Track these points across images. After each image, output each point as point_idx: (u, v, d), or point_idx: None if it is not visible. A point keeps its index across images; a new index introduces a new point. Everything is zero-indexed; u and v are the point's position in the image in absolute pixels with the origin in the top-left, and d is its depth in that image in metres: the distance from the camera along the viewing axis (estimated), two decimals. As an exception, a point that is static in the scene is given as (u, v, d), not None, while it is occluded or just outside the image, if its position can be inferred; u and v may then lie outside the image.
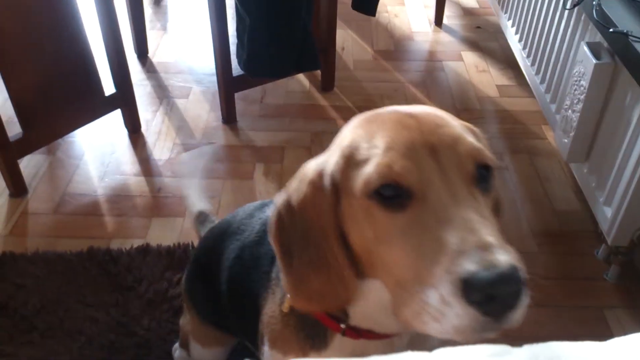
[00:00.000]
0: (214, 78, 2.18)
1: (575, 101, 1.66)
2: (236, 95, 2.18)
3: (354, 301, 0.69)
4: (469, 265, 0.51)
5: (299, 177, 0.69)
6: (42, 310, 1.49)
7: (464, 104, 2.35)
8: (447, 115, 0.68)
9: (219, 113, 2.21)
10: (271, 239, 0.70)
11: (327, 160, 0.67)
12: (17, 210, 1.81)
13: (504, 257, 0.52)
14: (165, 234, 1.73)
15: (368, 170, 0.60)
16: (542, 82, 2.07)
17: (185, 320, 1.23)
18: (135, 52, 2.56)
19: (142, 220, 1.78)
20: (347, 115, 2.25)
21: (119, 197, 1.87)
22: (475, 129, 0.71)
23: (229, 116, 2.18)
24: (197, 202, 1.30)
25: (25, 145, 1.84)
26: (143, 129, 2.15)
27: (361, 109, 2.42)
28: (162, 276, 1.58)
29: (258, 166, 2.01)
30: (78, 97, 1.91)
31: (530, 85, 2.22)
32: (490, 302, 0.50)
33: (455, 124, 0.64)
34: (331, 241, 0.65)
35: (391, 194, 0.59)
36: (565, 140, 1.73)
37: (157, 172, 1.97)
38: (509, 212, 1.83)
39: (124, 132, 2.13)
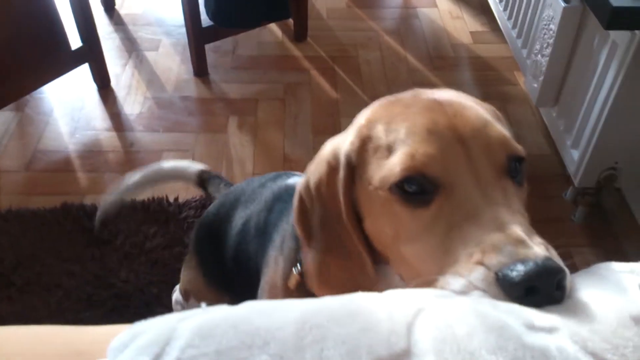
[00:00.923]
0: (184, 30, 2.14)
1: (544, 45, 1.67)
2: (207, 46, 2.14)
3: (375, 287, 0.61)
4: (503, 260, 0.46)
5: (317, 158, 0.66)
6: (19, 266, 1.49)
7: (438, 51, 2.35)
8: (473, 99, 0.63)
9: (190, 65, 2.18)
10: (295, 223, 0.67)
11: (344, 140, 0.63)
12: (-12, 168, 1.80)
13: (538, 250, 0.47)
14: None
15: (391, 161, 0.55)
16: (513, 27, 2.06)
17: (189, 277, 1.20)
18: (102, 4, 2.49)
19: (115, 176, 1.78)
20: (321, 66, 2.25)
21: (91, 153, 1.86)
22: (498, 113, 0.66)
23: (200, 69, 2.15)
24: (188, 168, 1.28)
25: (-8, 103, 1.80)
26: (113, 83, 2.12)
27: (335, 59, 2.39)
28: (139, 230, 1.59)
29: (232, 119, 2.00)
30: (44, 52, 1.87)
31: (503, 31, 2.22)
32: (532, 294, 0.44)
33: (481, 109, 0.59)
34: (347, 225, 0.61)
35: (415, 188, 0.54)
36: (535, 85, 1.74)
37: (128, 127, 1.95)
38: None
39: (93, 87, 2.10)
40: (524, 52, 1.96)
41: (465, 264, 0.49)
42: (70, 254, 1.53)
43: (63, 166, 1.81)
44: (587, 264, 1.72)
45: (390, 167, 0.55)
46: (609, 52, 1.42)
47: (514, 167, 0.56)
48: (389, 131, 0.58)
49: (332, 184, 0.62)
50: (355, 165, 0.61)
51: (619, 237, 1.66)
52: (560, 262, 0.48)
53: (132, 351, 0.39)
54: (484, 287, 0.46)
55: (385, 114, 0.60)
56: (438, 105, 0.58)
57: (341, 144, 0.63)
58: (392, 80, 2.19)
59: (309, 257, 0.66)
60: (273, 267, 0.81)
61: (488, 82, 2.19)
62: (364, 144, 0.60)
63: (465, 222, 0.51)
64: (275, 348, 0.38)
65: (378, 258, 0.63)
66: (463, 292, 0.47)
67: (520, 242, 0.47)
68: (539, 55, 1.71)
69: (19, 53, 1.80)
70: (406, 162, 0.54)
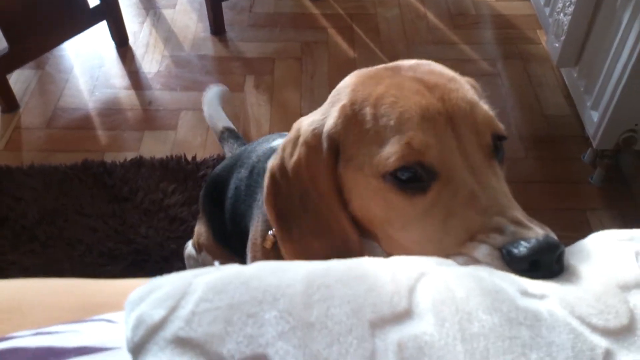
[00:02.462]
0: (201, -13, 2.12)
1: (567, 3, 1.63)
2: (224, 4, 2.12)
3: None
4: (507, 238, 0.49)
5: (292, 138, 0.64)
6: (42, 221, 1.54)
7: (459, 8, 2.30)
8: (448, 69, 0.62)
9: (207, 23, 2.17)
10: (265, 205, 0.65)
11: (324, 120, 0.61)
12: (10, 125, 1.83)
13: (538, 229, 0.49)
14: (157, 147, 1.76)
15: (386, 150, 0.55)
16: (537, -17, 2.01)
17: (201, 231, 1.25)
18: (119, -40, 2.47)
19: (134, 134, 1.80)
20: (338, 24, 2.22)
21: (110, 111, 1.88)
22: (475, 83, 0.65)
23: (217, 27, 2.14)
24: (219, 120, 1.34)
25: (13, 60, 1.82)
26: (131, 41, 2.12)
27: (353, 17, 2.36)
28: (157, 187, 1.62)
29: (248, 78, 2.00)
30: (62, 10, 1.87)
31: (526, -12, 2.16)
32: (534, 269, 0.47)
33: (466, 88, 0.59)
34: (332, 206, 0.60)
35: (407, 176, 0.54)
36: (557, 45, 1.71)
37: (147, 85, 1.96)
38: (500, 119, 1.84)
39: (111, 45, 2.10)
40: (547, 10, 1.92)
41: (468, 244, 0.51)
42: (92, 210, 1.57)
43: (83, 124, 1.84)
44: (603, 226, 1.72)
45: (385, 155, 0.55)
46: (632, 12, 1.38)
47: (496, 145, 0.57)
48: (378, 116, 0.56)
49: (313, 165, 0.60)
50: (340, 148, 0.59)
51: (636, 199, 1.65)
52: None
53: (148, 304, 0.41)
54: (489, 262, 0.48)
55: (369, 93, 0.58)
56: (424, 86, 0.57)
57: (321, 123, 0.61)
58: (411, 38, 2.16)
59: (280, 238, 0.64)
60: (255, 224, 0.83)
61: (509, 40, 2.14)
62: (349, 126, 0.58)
63: (464, 207, 0.52)
64: (284, 304, 0.39)
65: (364, 233, 0.62)
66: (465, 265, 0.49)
67: (520, 223, 0.50)
68: (562, 14, 1.67)
69: (37, 11, 1.80)
70: (403, 151, 0.54)
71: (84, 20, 1.95)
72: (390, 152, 0.54)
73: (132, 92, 1.94)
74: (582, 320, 0.38)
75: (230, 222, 1.04)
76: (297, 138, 0.63)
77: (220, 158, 1.66)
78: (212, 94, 1.47)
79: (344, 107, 0.59)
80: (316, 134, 0.61)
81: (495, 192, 0.53)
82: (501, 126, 0.58)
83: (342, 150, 0.59)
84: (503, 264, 0.48)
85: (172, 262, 1.45)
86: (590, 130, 1.61)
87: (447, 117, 0.55)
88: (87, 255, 1.47)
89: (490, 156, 0.56)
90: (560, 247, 0.47)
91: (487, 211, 0.51)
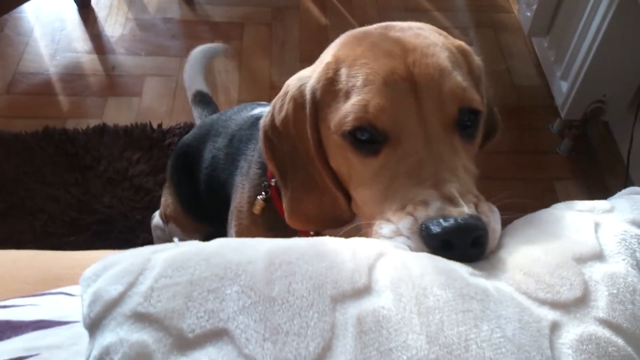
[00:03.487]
0: (166, -54, 2.04)
1: (540, -28, 1.62)
2: (191, -35, 2.05)
3: (352, 219, 0.64)
4: (429, 213, 0.50)
5: (281, 94, 0.65)
6: (3, 189, 1.49)
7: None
8: (439, 35, 0.61)
9: (174, -15, 2.10)
10: (267, 162, 0.67)
11: (310, 76, 0.62)
12: (-33, 90, 1.76)
13: (465, 209, 0.50)
14: (121, 114, 1.71)
15: (344, 108, 0.56)
16: (510, -49, 1.99)
17: (168, 202, 1.22)
18: None
19: (97, 100, 1.75)
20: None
21: (72, 76, 1.81)
22: (472, 53, 0.64)
23: (184, -11, 2.07)
24: (193, 82, 1.29)
25: (-33, 21, 1.74)
26: (93, 3, 2.04)
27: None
28: (121, 155, 1.58)
29: (217, 43, 1.95)
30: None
31: (499, -45, 2.14)
32: (448, 248, 0.48)
33: (444, 55, 0.58)
34: (315, 162, 0.62)
35: (366, 136, 0.56)
36: (528, 14, 1.70)
37: (110, 49, 1.90)
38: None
39: (73, 7, 2.02)
40: (519, -22, 1.90)
41: (398, 213, 0.52)
42: (54, 179, 1.52)
43: (44, 89, 1.77)
44: (569, 196, 1.73)
45: (343, 114, 0.56)
46: (604, -19, 1.38)
47: (467, 119, 0.57)
48: (349, 76, 0.57)
49: (299, 121, 0.62)
50: (319, 105, 0.60)
51: (603, 170, 1.68)
52: (493, 219, 0.51)
53: (105, 280, 0.40)
54: (408, 235, 0.50)
55: (350, 53, 0.59)
56: (400, 50, 0.57)
57: (307, 80, 0.62)
58: (383, 5, 2.12)
59: (283, 192, 0.66)
60: (240, 192, 0.83)
61: (482, 8, 2.13)
62: (329, 84, 0.59)
63: (406, 175, 0.53)
64: (245, 280, 0.39)
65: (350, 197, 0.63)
66: (390, 236, 0.50)
67: (449, 200, 0.50)
68: (534, -18, 1.66)
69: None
70: (358, 113, 0.55)
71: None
72: (348, 111, 0.55)
73: (94, 57, 1.87)
74: (529, 295, 0.40)
75: (206, 192, 1.02)
76: (286, 94, 0.64)
77: (188, 126, 1.62)
78: (199, 53, 1.38)
79: (327, 64, 0.60)
80: (302, 90, 0.62)
81: (439, 164, 0.53)
82: (474, 98, 0.57)
83: (320, 108, 0.60)
84: (419, 240, 0.49)
85: (137, 232, 1.43)
86: (559, 101, 1.62)
87: (412, 85, 0.55)
88: (49, 225, 1.43)
89: (451, 128, 0.56)
90: (476, 231, 0.48)
91: (423, 183, 0.52)
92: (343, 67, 0.58)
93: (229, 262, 0.40)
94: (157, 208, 1.33)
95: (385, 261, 0.42)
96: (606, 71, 1.46)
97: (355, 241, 0.45)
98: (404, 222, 0.50)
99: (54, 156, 1.57)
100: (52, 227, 1.43)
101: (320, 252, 0.42)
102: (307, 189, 0.63)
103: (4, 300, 0.57)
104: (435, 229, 0.48)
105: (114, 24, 1.98)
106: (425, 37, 0.59)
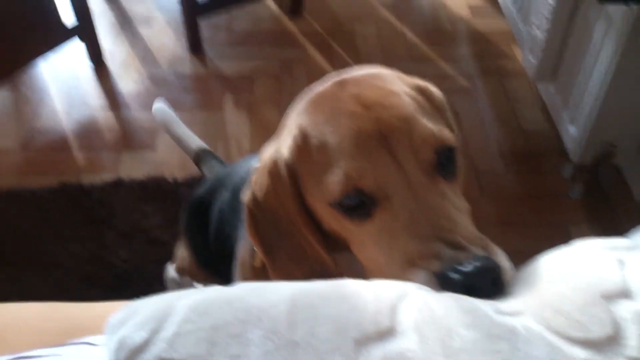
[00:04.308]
0: (178, 5, 2.12)
1: (542, 20, 1.66)
2: (202, 22, 2.12)
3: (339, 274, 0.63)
4: (443, 263, 0.50)
5: (259, 168, 0.65)
6: (19, 245, 1.50)
7: (435, 25, 2.33)
8: (394, 79, 0.62)
9: (185, 42, 2.16)
10: (250, 238, 0.66)
11: (280, 149, 0.62)
12: (-16, 148, 1.79)
13: (476, 251, 0.50)
14: (136, 167, 1.74)
15: (326, 181, 0.56)
16: (512, 0, 2.04)
17: (183, 256, 1.23)
18: (96, -20, 2.46)
19: (112, 154, 1.78)
20: (316, 41, 2.23)
21: (87, 132, 1.85)
22: (429, 87, 0.64)
23: (194, 44, 2.13)
24: (192, 141, 1.30)
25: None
26: (107, 60, 2.10)
27: (331, 34, 2.36)
28: (136, 208, 1.60)
29: (227, 96, 1.99)
30: (34, 25, 1.84)
31: (501, 5, 2.20)
32: (469, 294, 0.46)
33: (404, 102, 0.58)
34: (303, 231, 0.61)
35: (355, 202, 0.55)
36: (533, 60, 1.73)
37: (124, 104, 1.94)
38: (478, 134, 1.86)
39: (87, 65, 2.08)
40: (522, 26, 1.95)
41: (410, 270, 0.51)
42: (69, 234, 1.53)
43: (59, 145, 1.81)
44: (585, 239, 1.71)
45: (327, 186, 0.56)
46: (605, 26, 1.41)
47: (445, 158, 0.56)
48: (321, 146, 0.57)
49: (279, 194, 0.62)
50: (298, 178, 0.60)
51: (616, 213, 1.67)
52: (500, 256, 0.51)
53: (129, 327, 0.40)
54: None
55: (313, 122, 0.59)
56: (361, 108, 0.56)
57: (278, 153, 0.62)
58: (389, 55, 2.17)
59: (270, 267, 0.65)
60: (242, 244, 0.83)
61: (486, 56, 2.17)
62: (301, 157, 0.59)
63: (404, 232, 0.53)
64: (268, 324, 0.39)
65: (341, 245, 0.62)
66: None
67: (457, 247, 0.50)
68: (537, 30, 1.70)
69: (10, 28, 1.78)
70: (340, 182, 0.55)
71: (57, 36, 1.92)
72: (331, 182, 0.56)
73: (109, 112, 1.92)
74: (559, 333, 0.38)
75: (215, 245, 1.03)
76: (262, 169, 0.64)
77: (201, 178, 1.63)
78: (164, 112, 1.32)
79: (295, 137, 0.60)
80: (275, 164, 0.62)
81: (434, 214, 0.53)
82: (445, 137, 0.57)
83: (301, 180, 0.60)
84: (441, 290, 0.47)
85: (153, 285, 1.42)
86: (569, 145, 1.63)
87: (380, 139, 0.55)
88: (65, 279, 1.44)
89: (431, 173, 0.55)
90: (494, 271, 0.48)
91: (425, 235, 0.52)
92: (311, 138, 0.58)
93: (251, 307, 0.40)
94: (171, 260, 1.33)
95: (408, 302, 0.41)
96: (615, 114, 1.47)
97: (377, 282, 0.45)
98: (419, 277, 0.50)
99: (69, 211, 1.59)
100: (68, 282, 1.43)
101: (341, 294, 0.41)
102: (295, 258, 0.63)
103: (28, 351, 0.57)
104: (455, 276, 0.48)
105: (128, 80, 2.03)
106: (381, 86, 0.59)
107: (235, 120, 1.90)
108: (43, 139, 1.83)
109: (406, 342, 0.37)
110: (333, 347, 0.37)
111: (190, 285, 1.22)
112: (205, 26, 2.20)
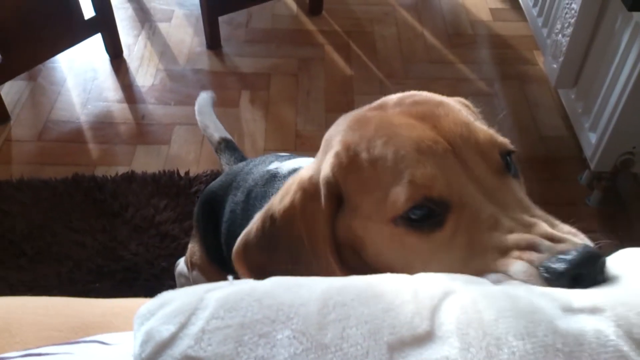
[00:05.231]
0: (197, 0, 2.11)
1: (565, 25, 1.63)
2: (221, 19, 2.11)
3: None
4: (543, 255, 0.46)
5: (283, 189, 0.61)
6: (30, 235, 1.50)
7: (456, 27, 2.30)
8: (433, 95, 0.60)
9: (203, 38, 2.15)
10: (236, 264, 0.62)
11: (320, 167, 0.58)
12: (1, 137, 1.79)
13: (576, 240, 0.47)
14: (150, 161, 1.73)
15: (392, 195, 0.52)
16: (534, 5, 2.02)
17: (194, 250, 1.21)
18: (115, -27, 2.46)
19: (126, 148, 1.77)
20: (335, 41, 2.22)
21: (103, 124, 1.85)
22: (466, 102, 0.63)
23: (213, 41, 2.12)
24: (215, 131, 1.30)
25: (5, 71, 1.79)
26: (125, 54, 2.10)
27: (350, 34, 2.35)
28: (149, 203, 1.59)
29: (244, 93, 1.98)
30: (56, 21, 1.85)
31: (523, 9, 2.17)
32: (576, 284, 0.44)
33: (456, 107, 0.56)
34: (327, 257, 0.57)
35: (421, 213, 0.51)
36: (555, 66, 1.71)
37: (140, 99, 1.94)
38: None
39: (105, 58, 2.08)
40: (544, 31, 1.92)
41: (501, 260, 0.48)
42: (81, 225, 1.53)
43: (75, 137, 1.81)
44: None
45: (391, 200, 0.52)
46: (632, 34, 1.38)
47: (507, 161, 0.55)
48: (373, 160, 0.54)
49: (307, 213, 0.57)
50: (343, 197, 0.57)
51: (634, 222, 1.64)
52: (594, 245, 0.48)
53: (158, 319, 0.39)
54: (525, 279, 0.46)
55: (360, 137, 0.56)
56: (415, 119, 0.54)
57: (317, 171, 0.59)
58: (408, 57, 2.15)
59: None
60: None
61: (506, 61, 2.15)
62: (348, 174, 0.56)
63: (489, 231, 0.50)
64: (297, 324, 0.37)
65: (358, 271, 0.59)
66: (525, 278, 0.46)
67: (553, 237, 0.47)
68: (560, 35, 1.67)
69: (31, 21, 1.78)
70: (408, 191, 0.51)
71: (78, 32, 1.93)
72: (396, 195, 0.52)
73: (125, 106, 1.91)
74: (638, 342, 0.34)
75: (225, 245, 1.02)
76: (289, 187, 0.60)
77: (215, 174, 1.62)
78: (204, 102, 1.40)
79: (337, 154, 0.57)
80: (313, 182, 0.58)
81: (516, 211, 0.51)
82: (505, 141, 0.56)
83: (347, 200, 0.56)
84: (542, 282, 0.45)
85: (162, 280, 1.41)
86: (588, 152, 1.60)
87: (445, 145, 0.52)
88: (75, 271, 1.43)
89: (502, 174, 0.54)
90: (601, 257, 0.44)
91: (514, 230, 0.49)
92: (361, 152, 0.55)
93: (281, 304, 0.38)
94: (182, 255, 1.32)
95: (452, 301, 0.38)
96: (636, 122, 1.44)
97: (419, 277, 0.42)
98: (516, 267, 0.47)
99: (83, 203, 1.58)
100: (78, 274, 1.42)
101: (377, 292, 0.39)
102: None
103: (37, 347, 0.56)
104: (562, 266, 0.44)
105: (145, 75, 2.03)
106: (426, 101, 0.58)
107: (250, 117, 1.89)
108: (59, 130, 1.83)
109: (446, 348, 0.34)
110: (364, 352, 0.35)
111: (199, 280, 1.21)
112: (224, 23, 2.19)
